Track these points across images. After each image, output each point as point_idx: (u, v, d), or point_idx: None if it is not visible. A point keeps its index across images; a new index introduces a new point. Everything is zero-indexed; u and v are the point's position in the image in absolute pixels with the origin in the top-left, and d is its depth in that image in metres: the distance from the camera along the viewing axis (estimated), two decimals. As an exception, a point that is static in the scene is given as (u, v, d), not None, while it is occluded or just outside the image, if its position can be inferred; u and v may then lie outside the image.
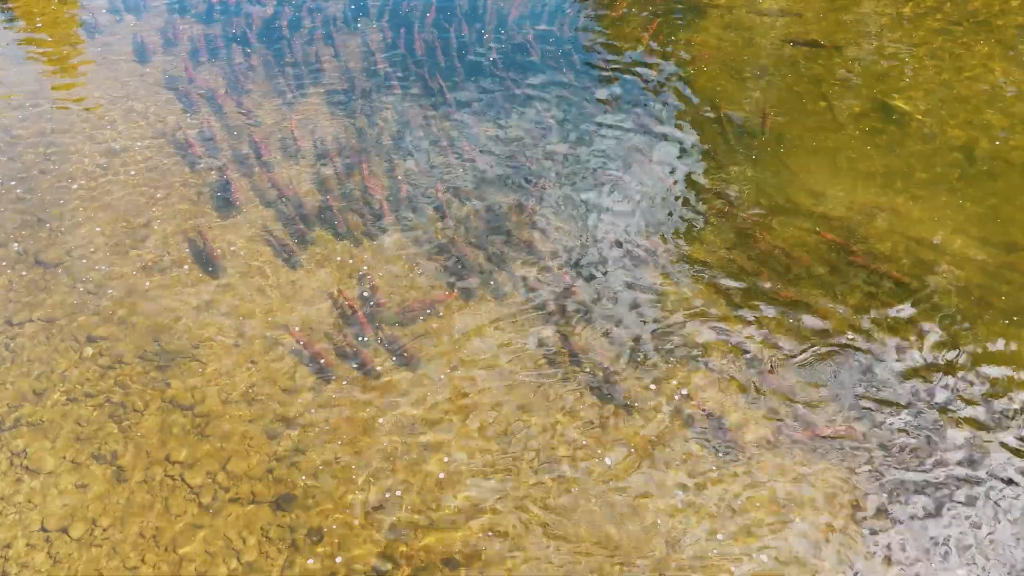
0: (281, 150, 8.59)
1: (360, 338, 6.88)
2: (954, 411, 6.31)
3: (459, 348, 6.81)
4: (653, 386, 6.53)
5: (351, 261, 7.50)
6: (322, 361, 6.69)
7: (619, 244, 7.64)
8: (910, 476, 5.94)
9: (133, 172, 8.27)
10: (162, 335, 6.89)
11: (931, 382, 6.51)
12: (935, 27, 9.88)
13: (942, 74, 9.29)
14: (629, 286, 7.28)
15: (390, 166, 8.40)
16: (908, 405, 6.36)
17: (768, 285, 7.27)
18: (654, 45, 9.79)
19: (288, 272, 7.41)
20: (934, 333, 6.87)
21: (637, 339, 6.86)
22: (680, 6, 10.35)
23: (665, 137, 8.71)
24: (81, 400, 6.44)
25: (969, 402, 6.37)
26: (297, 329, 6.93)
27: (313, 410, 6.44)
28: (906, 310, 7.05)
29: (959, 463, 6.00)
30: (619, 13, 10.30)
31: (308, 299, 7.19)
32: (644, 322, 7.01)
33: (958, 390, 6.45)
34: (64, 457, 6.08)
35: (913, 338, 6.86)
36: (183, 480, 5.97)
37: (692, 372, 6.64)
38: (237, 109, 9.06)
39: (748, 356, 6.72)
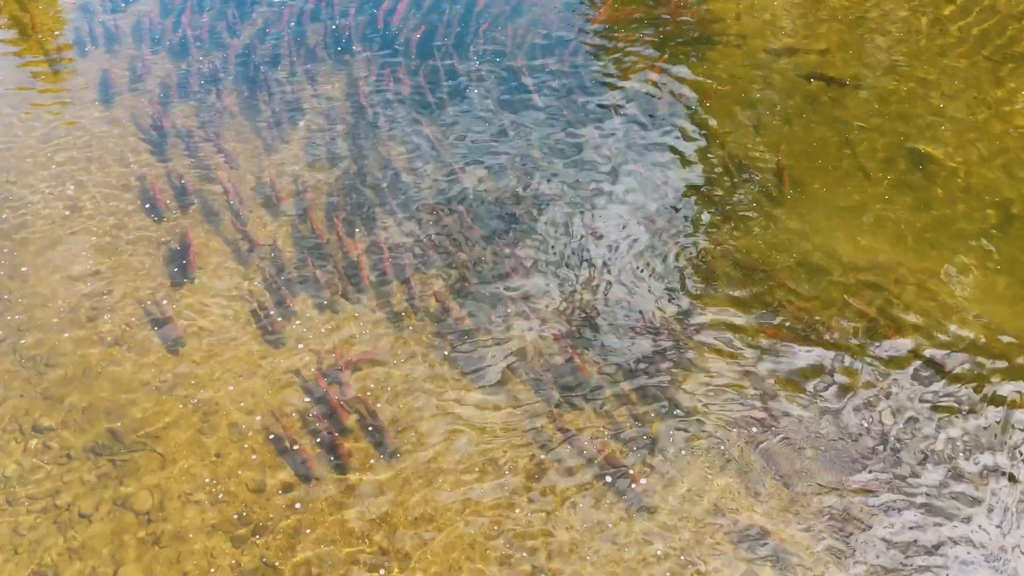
0: (256, 201, 7.87)
1: (337, 425, 6.18)
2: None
3: (446, 428, 6.14)
4: (662, 472, 5.85)
5: (329, 333, 6.78)
6: (296, 453, 5.99)
7: (618, 303, 6.94)
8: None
9: (93, 227, 7.55)
10: (117, 423, 6.18)
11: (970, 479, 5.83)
12: (964, 61, 9.17)
13: (974, 115, 8.58)
14: (628, 351, 6.59)
15: (372, 217, 7.68)
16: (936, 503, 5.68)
17: (788, 353, 6.60)
18: (660, 80, 9.08)
19: (260, 347, 6.70)
20: (966, 411, 6.21)
21: (639, 415, 6.16)
22: (689, 37, 9.63)
23: (671, 185, 8.00)
24: (22, 503, 5.73)
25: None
26: (268, 414, 6.23)
27: (285, 513, 5.74)
28: (939, 386, 6.39)
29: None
30: (623, 44, 9.58)
31: (281, 379, 6.49)
32: (648, 395, 6.32)
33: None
34: (-2, 576, 5.39)
35: (943, 417, 6.19)
36: (133, 605, 5.27)
37: (706, 457, 5.97)
38: (209, 153, 8.34)
39: (767, 435, 6.03)
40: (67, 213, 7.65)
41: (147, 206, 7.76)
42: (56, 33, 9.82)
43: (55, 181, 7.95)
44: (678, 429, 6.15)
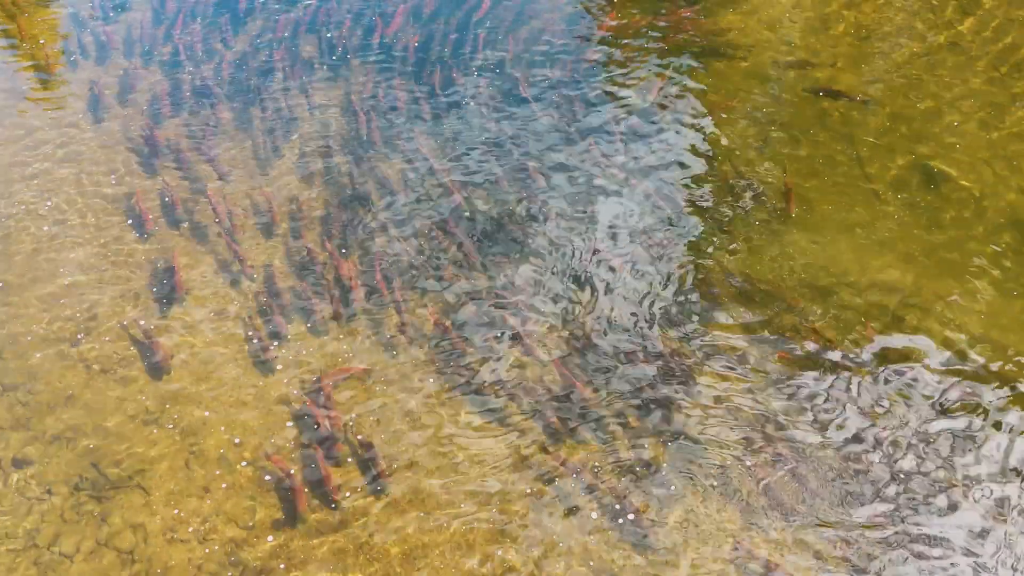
0: (248, 219, 7.63)
1: (330, 456, 5.95)
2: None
3: (441, 459, 5.91)
4: (661, 501, 5.62)
5: (322, 359, 6.54)
6: (287, 487, 5.76)
7: (618, 324, 6.70)
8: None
9: (78, 246, 7.30)
10: (102, 456, 5.94)
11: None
12: (980, 76, 8.93)
13: (988, 131, 8.34)
14: (628, 374, 6.37)
15: (367, 236, 7.44)
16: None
17: (794, 377, 6.38)
18: (664, 93, 8.84)
19: (251, 373, 6.45)
20: (976, 436, 6.00)
21: (638, 441, 5.93)
22: (694, 49, 9.39)
23: (674, 202, 7.76)
24: (0, 542, 5.49)
25: None
26: (258, 445, 5.99)
27: (275, 552, 5.51)
28: (949, 409, 6.18)
29: None
30: (627, 56, 9.35)
31: (272, 407, 6.25)
32: (649, 421, 6.10)
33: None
34: (-26, 622, 5.15)
35: (952, 442, 5.97)
36: (114, 653, 5.03)
37: (708, 486, 5.74)
38: (200, 169, 8.08)
39: (771, 464, 5.80)
40: (50, 230, 7.41)
41: (134, 224, 7.51)
42: (42, 42, 9.57)
43: (38, 197, 7.70)
44: (679, 455, 5.93)
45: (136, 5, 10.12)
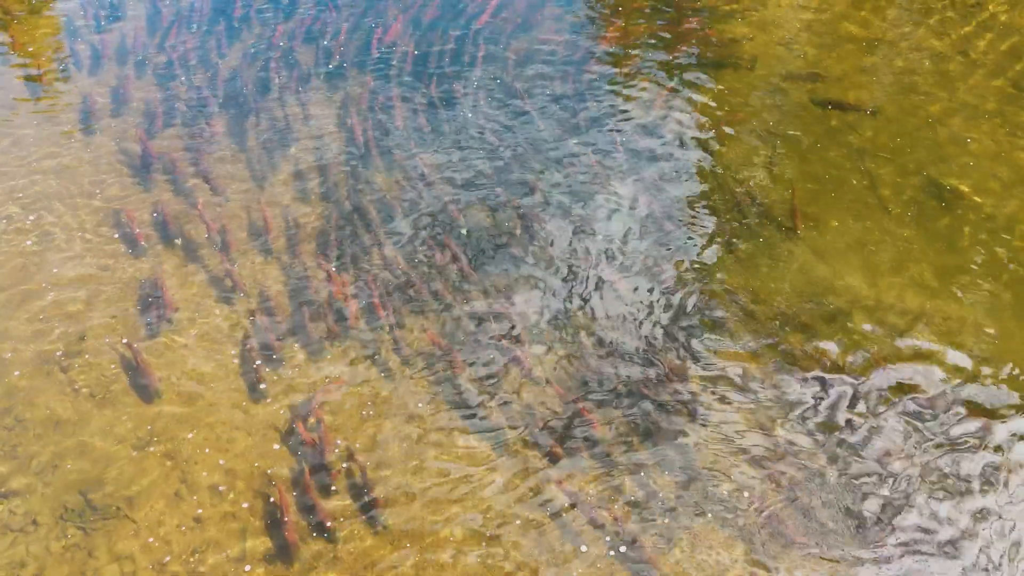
0: (242, 236, 7.45)
1: (325, 485, 5.78)
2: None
3: (438, 482, 5.75)
4: (663, 529, 5.47)
5: (318, 382, 6.37)
6: (280, 517, 5.59)
7: (619, 346, 6.53)
8: None
9: (66, 264, 7.13)
10: (89, 485, 5.76)
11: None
12: (989, 87, 8.76)
13: (999, 145, 8.16)
14: (629, 397, 6.20)
15: (364, 252, 7.26)
16: None
17: (800, 398, 6.22)
18: (669, 106, 8.67)
19: (244, 398, 6.28)
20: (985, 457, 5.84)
21: (639, 465, 5.76)
22: (700, 60, 9.22)
23: (677, 218, 7.59)
24: (-17, 578, 5.32)
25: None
26: (252, 473, 5.82)
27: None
28: (960, 432, 6.01)
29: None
30: (631, 67, 9.17)
31: (265, 434, 6.07)
32: (650, 445, 5.94)
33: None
34: (-45, 662, 4.98)
35: (960, 464, 5.81)
36: None
37: (710, 513, 5.58)
38: (194, 184, 7.91)
39: (777, 491, 5.63)
40: (38, 248, 7.23)
41: (125, 241, 7.34)
42: (31, 50, 9.39)
43: (26, 213, 7.52)
44: (680, 482, 5.76)
45: (130, 14, 9.96)
